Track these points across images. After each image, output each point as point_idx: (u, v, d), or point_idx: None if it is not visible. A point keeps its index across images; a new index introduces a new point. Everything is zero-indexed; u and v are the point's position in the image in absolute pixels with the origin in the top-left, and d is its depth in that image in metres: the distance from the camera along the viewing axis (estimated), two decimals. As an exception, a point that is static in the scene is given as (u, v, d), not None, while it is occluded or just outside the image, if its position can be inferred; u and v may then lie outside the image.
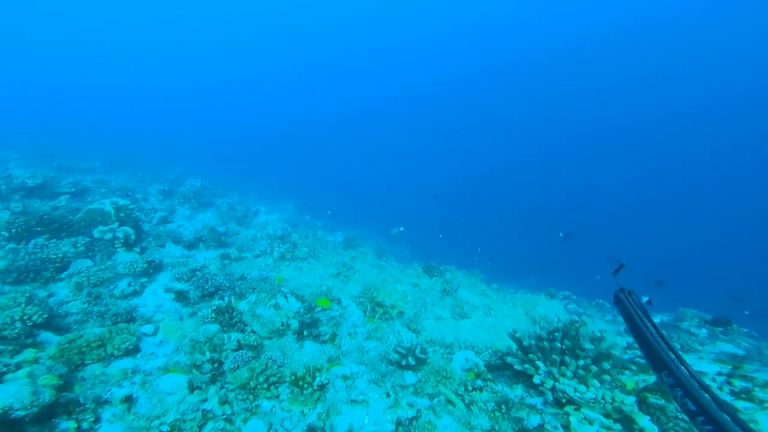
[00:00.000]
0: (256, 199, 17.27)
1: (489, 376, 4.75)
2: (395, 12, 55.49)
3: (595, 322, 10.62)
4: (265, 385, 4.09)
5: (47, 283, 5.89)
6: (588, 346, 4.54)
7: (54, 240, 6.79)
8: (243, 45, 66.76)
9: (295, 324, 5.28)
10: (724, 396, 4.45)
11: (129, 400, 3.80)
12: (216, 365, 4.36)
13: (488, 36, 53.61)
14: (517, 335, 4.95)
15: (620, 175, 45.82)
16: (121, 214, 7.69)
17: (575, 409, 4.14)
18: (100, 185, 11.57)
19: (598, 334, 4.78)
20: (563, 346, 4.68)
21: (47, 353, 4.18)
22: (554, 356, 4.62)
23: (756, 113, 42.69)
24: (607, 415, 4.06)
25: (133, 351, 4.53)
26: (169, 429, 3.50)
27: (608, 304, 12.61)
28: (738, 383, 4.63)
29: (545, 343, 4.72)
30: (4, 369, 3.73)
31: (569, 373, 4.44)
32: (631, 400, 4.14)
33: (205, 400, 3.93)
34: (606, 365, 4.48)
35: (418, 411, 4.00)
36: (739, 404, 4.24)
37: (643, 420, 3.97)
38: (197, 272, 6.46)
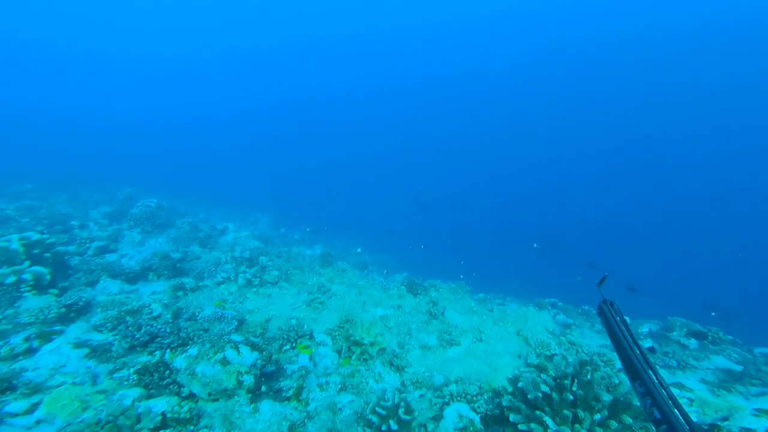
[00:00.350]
0: (224, 214, 15.99)
1: (488, 436, 3.92)
2: (376, 20, 54.40)
3: (584, 333, 10.24)
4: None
5: None
6: (606, 397, 3.80)
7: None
8: (211, 39, 62.64)
9: (249, 380, 4.23)
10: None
11: None
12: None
13: (464, 51, 53.72)
14: (519, 384, 4.15)
15: (600, 182, 46.61)
16: (35, 251, 6.32)
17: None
18: (24, 213, 9.87)
19: (615, 380, 4.05)
20: (575, 397, 3.93)
21: None
22: (565, 411, 3.85)
23: (730, 122, 44.82)
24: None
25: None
26: None
27: (593, 310, 12.37)
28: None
29: (554, 394, 3.94)
30: None
31: (584, 432, 3.68)
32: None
33: None
34: (627, 419, 3.76)
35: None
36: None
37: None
38: (129, 315, 5.20)
